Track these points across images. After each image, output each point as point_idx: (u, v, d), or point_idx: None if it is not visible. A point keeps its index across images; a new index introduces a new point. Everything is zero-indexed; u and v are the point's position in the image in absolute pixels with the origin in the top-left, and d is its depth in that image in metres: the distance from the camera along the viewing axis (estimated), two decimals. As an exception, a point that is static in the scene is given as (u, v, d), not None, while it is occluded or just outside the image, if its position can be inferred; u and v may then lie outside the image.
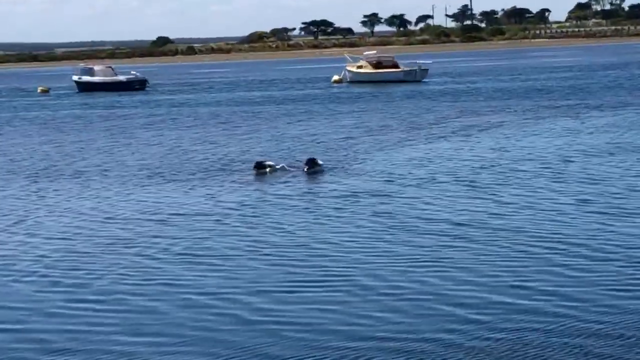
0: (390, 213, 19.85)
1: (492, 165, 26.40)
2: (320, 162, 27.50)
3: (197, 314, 13.22)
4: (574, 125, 36.93)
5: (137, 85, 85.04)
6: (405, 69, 79.82)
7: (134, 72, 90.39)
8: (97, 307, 13.85)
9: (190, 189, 24.94)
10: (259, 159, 28.88)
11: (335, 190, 23.45)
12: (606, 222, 17.93)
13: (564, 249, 15.89)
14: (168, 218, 20.64)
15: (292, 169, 27.36)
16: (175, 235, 18.65)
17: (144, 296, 14.32)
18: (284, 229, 18.88)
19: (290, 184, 24.94)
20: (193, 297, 14.14)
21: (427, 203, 20.94)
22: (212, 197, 23.20)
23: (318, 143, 34.86)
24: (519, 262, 15.19)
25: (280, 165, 27.65)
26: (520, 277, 14.31)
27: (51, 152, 35.73)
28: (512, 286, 13.82)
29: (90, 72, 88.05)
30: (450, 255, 15.88)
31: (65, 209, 22.58)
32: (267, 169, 27.08)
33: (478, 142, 32.74)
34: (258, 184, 25.44)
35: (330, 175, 26.21)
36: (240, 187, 24.83)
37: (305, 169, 26.86)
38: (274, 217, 20.18)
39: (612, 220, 18.07)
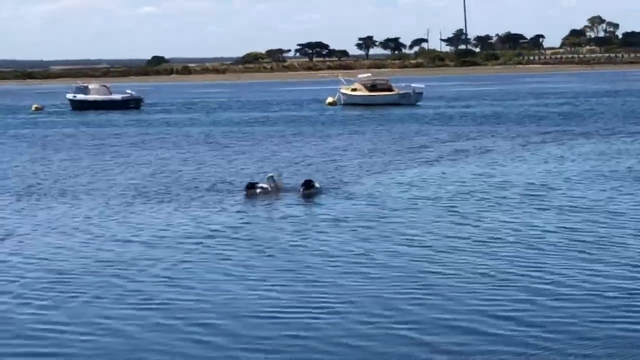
0: (376, 238, 19.82)
1: (482, 191, 26.38)
2: (317, 184, 27.36)
3: (169, 339, 13.15)
4: (562, 152, 36.95)
5: (132, 104, 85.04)
6: (400, 92, 79.93)
7: (129, 91, 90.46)
8: (65, 328, 13.79)
9: (176, 209, 24.84)
10: (250, 180, 28.84)
11: (324, 213, 23.45)
12: (587, 251, 17.95)
13: (548, 279, 15.86)
14: (151, 239, 20.56)
15: (281, 185, 27.36)
16: (156, 257, 18.57)
17: (115, 319, 14.24)
18: (267, 252, 18.80)
19: (281, 206, 24.92)
20: (166, 321, 14.06)
21: (413, 228, 20.89)
22: (199, 219, 23.10)
23: (310, 165, 34.86)
24: (501, 291, 15.16)
25: (269, 175, 27.60)
26: (503, 306, 14.28)
27: (39, 170, 35.66)
28: (496, 316, 13.79)
29: (85, 90, 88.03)
30: (434, 283, 15.86)
31: (48, 227, 22.52)
32: (258, 190, 26.94)
33: (468, 167, 32.73)
34: (248, 205, 25.39)
35: (324, 197, 26.18)
36: (230, 208, 24.76)
37: (301, 190, 26.76)
38: (260, 239, 20.11)
39: (594, 249, 18.08)
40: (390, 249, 18.63)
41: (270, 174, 27.98)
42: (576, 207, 23.28)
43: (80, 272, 17.49)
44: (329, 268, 17.24)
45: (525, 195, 25.51)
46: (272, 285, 16.09)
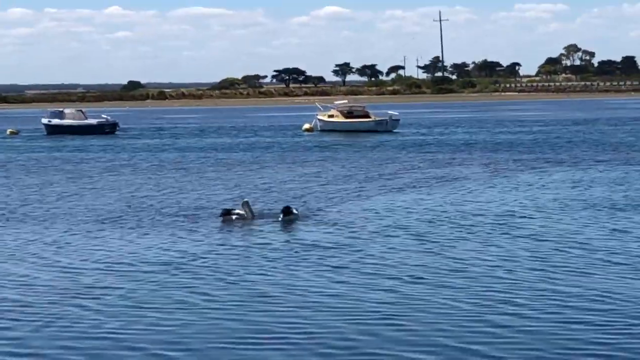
0: (343, 269, 19.59)
1: (452, 220, 26.30)
2: (295, 210, 27.15)
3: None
4: (533, 180, 36.95)
5: (107, 129, 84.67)
6: (377, 118, 79.90)
7: (105, 116, 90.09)
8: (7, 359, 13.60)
9: (148, 236, 24.60)
10: (226, 206, 28.58)
11: (296, 241, 23.30)
12: (554, 281, 17.84)
13: (511, 310, 15.75)
14: (114, 266, 20.34)
15: (249, 211, 27.06)
16: (114, 285, 18.35)
17: (61, 349, 14.09)
18: (231, 280, 18.63)
19: (255, 233, 24.66)
20: (111, 350, 13.88)
21: (381, 257, 20.75)
22: (171, 245, 22.92)
23: (285, 191, 34.64)
24: (467, 324, 14.98)
25: (245, 201, 27.37)
26: (465, 339, 14.11)
27: (5, 195, 35.30)
28: (460, 349, 13.62)
29: (60, 115, 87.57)
30: (394, 314, 15.66)
31: (8, 255, 22.22)
32: (234, 217, 26.67)
33: (441, 195, 32.63)
34: (223, 232, 25.11)
35: (301, 224, 25.97)
36: (205, 235, 24.54)
37: (281, 217, 26.55)
38: (226, 268, 19.92)
39: (560, 280, 17.97)
40: (355, 280, 18.40)
41: (245, 199, 27.72)
42: (543, 235, 23.25)
43: (38, 301, 17.24)
44: (292, 297, 17.03)
45: (493, 224, 25.43)
46: (228, 314, 15.88)
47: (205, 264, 20.34)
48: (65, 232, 25.58)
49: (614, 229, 24.03)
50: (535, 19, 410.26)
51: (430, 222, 25.94)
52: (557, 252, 20.93)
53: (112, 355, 13.80)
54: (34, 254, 22.22)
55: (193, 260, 20.87)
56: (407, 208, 29.03)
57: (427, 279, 18.43)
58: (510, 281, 18.01)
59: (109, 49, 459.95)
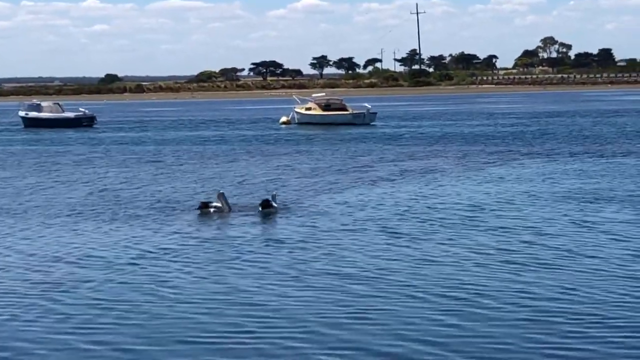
0: (314, 260, 19.78)
1: (422, 212, 26.51)
2: (274, 203, 27.31)
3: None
4: (505, 173, 37.13)
5: (85, 122, 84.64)
6: (354, 111, 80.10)
7: (83, 109, 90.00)
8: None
9: (118, 229, 24.69)
10: (201, 198, 28.74)
11: (269, 233, 23.49)
12: (520, 273, 18.09)
13: (479, 302, 15.95)
14: (86, 259, 20.46)
15: (226, 204, 27.25)
16: (86, 278, 18.50)
17: (28, 341, 14.29)
18: (201, 273, 18.77)
19: (231, 225, 24.84)
20: (81, 344, 14.05)
21: (352, 250, 20.93)
22: (145, 238, 23.05)
23: (260, 183, 34.78)
24: (431, 314, 15.19)
25: (220, 192, 27.57)
26: (431, 331, 14.32)
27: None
28: (422, 341, 13.80)
29: (38, 108, 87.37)
30: (362, 306, 15.87)
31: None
32: (212, 209, 26.83)
33: (416, 187, 32.85)
34: (200, 224, 25.28)
35: (277, 216, 26.19)
36: (182, 227, 24.68)
37: (259, 210, 26.84)
38: (200, 259, 20.10)
39: (526, 272, 18.23)
40: (325, 271, 18.58)
41: (220, 192, 27.86)
42: (512, 227, 23.48)
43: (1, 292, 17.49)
44: (261, 290, 17.17)
45: (462, 216, 25.62)
46: (198, 307, 16.03)
47: (181, 256, 20.45)
48: (39, 225, 25.65)
49: (584, 221, 24.28)
50: (512, 11, 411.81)
51: (401, 215, 26.04)
52: (524, 243, 21.16)
53: (75, 347, 13.97)
54: (4, 246, 22.39)
55: (167, 252, 20.99)
56: (379, 201, 29.14)
57: (395, 269, 18.64)
58: (476, 273, 18.21)
59: (86, 42, 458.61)
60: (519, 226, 23.79)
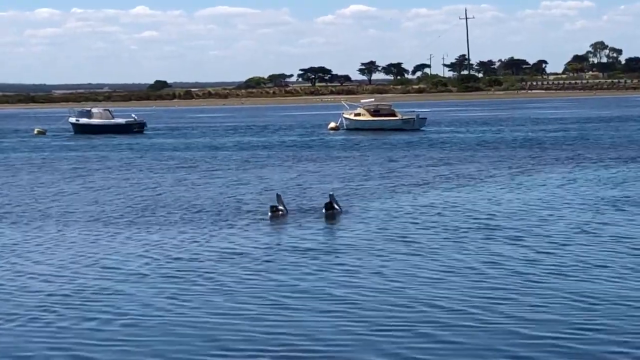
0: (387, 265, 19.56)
1: (471, 218, 26.24)
2: (337, 205, 27.69)
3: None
4: (561, 179, 36.56)
5: (135, 128, 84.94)
6: (404, 117, 79.78)
7: (134, 115, 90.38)
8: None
9: (196, 232, 24.95)
10: (267, 203, 28.90)
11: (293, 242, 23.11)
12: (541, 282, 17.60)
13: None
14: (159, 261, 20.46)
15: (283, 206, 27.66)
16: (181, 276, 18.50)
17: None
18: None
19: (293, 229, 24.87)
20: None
21: (422, 255, 20.72)
22: (219, 241, 23.11)
23: (309, 188, 34.64)
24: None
25: (277, 194, 28.35)
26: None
27: (28, 194, 35.75)
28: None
29: (88, 114, 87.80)
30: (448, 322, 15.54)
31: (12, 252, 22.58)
32: (280, 212, 27.32)
33: (468, 192, 32.65)
34: (273, 227, 25.47)
35: (341, 220, 26.24)
36: (256, 231, 24.81)
37: (323, 211, 27.43)
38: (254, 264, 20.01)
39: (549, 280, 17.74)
40: (385, 280, 18.12)
41: (277, 193, 28.59)
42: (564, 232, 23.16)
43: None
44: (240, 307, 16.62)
45: (521, 222, 25.21)
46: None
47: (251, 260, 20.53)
48: (84, 229, 25.91)
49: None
50: (561, 16, 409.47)
51: (463, 221, 25.66)
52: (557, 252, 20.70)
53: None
54: (42, 251, 22.61)
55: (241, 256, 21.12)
56: (437, 206, 28.83)
57: (459, 272, 18.49)
58: (527, 281, 17.84)
59: (135, 48, 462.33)
60: (567, 231, 23.57)
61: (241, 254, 21.30)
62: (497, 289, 17.03)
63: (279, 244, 22.65)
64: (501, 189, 33.56)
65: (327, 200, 28.15)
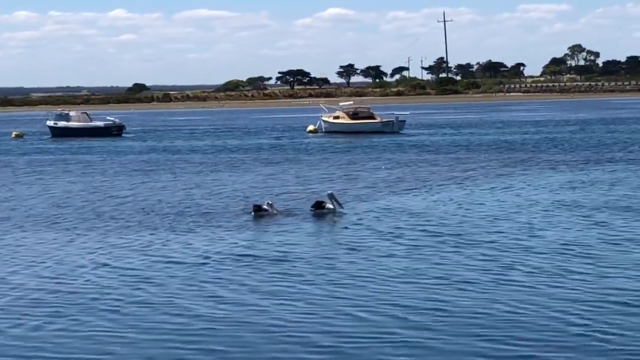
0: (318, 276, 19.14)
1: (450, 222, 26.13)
2: (329, 205, 27.81)
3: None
4: (534, 181, 36.46)
5: (114, 131, 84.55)
6: (383, 120, 79.75)
7: (111, 118, 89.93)
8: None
9: (186, 232, 24.78)
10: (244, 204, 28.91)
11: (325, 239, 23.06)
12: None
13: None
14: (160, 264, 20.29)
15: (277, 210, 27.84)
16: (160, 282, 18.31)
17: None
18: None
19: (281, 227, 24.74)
20: None
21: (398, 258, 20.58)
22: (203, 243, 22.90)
23: (285, 191, 34.56)
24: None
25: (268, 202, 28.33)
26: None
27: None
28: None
29: (66, 117, 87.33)
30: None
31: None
32: (264, 212, 27.52)
33: (447, 194, 32.58)
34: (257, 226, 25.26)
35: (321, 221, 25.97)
36: (244, 230, 24.46)
37: (311, 209, 27.87)
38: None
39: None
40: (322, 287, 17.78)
41: (269, 201, 28.60)
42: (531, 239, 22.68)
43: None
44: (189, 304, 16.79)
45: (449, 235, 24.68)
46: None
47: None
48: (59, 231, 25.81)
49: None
50: (539, 19, 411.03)
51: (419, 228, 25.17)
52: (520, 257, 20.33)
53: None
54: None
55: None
56: (415, 209, 28.67)
57: (445, 279, 18.30)
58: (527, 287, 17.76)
59: (113, 51, 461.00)
60: (528, 238, 23.41)
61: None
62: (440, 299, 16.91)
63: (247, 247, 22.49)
64: (455, 193, 33.10)
65: (319, 199, 28.48)
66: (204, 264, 20.39)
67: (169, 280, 18.69)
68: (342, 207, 28.06)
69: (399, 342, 13.87)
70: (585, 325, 14.45)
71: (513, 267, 19.05)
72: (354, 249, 21.75)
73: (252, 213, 27.57)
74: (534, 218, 26.09)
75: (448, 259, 20.18)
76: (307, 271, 19.24)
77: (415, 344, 13.79)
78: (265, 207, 27.78)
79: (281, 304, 16.39)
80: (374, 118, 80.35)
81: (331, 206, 27.82)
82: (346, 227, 25.35)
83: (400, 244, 22.29)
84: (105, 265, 20.56)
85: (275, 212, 27.72)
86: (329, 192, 28.82)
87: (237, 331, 14.70)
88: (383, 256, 20.72)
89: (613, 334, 13.95)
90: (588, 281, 17.52)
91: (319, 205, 27.90)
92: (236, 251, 21.80)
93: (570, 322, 14.65)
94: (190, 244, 23.06)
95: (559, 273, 18.28)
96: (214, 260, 20.69)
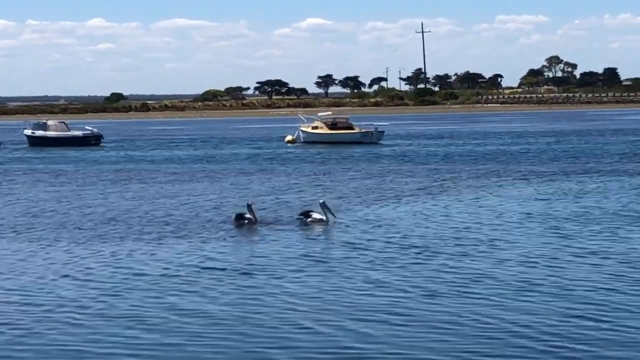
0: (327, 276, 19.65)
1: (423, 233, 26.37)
2: (317, 215, 27.83)
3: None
4: (512, 193, 36.75)
5: (92, 141, 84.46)
6: (362, 130, 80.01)
7: (89, 128, 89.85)
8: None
9: (172, 242, 24.77)
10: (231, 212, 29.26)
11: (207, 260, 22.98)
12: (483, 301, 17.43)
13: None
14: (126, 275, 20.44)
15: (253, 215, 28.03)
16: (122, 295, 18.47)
17: None
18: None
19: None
20: None
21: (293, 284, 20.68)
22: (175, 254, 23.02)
23: (264, 201, 34.60)
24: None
25: (248, 203, 28.57)
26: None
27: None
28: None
29: (44, 126, 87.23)
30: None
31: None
32: (246, 221, 27.70)
33: (420, 206, 32.77)
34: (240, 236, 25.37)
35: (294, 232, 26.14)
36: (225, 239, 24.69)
37: (304, 220, 27.93)
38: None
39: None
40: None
41: (249, 202, 28.83)
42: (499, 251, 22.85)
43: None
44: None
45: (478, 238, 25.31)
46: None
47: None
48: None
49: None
50: (517, 30, 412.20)
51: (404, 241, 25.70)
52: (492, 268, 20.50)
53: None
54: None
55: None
56: (384, 221, 28.77)
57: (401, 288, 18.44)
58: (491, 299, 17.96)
59: (91, 60, 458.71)
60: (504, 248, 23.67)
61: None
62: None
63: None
64: (426, 204, 33.24)
65: (307, 209, 28.82)
66: (168, 275, 20.36)
67: (130, 291, 18.70)
68: (335, 217, 28.07)
69: (358, 357, 13.90)
70: (545, 340, 14.52)
71: (478, 279, 19.13)
72: (319, 261, 21.76)
73: (234, 222, 27.79)
74: (501, 229, 26.26)
75: (412, 270, 20.25)
76: (268, 283, 19.21)
77: (374, 358, 13.83)
78: (247, 215, 27.82)
79: (238, 316, 16.38)
80: (352, 128, 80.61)
81: (320, 216, 27.75)
82: (314, 239, 25.46)
83: (366, 255, 22.30)
84: (67, 276, 20.53)
85: (253, 218, 27.71)
86: (321, 201, 28.71)
87: (191, 344, 14.70)
88: (348, 268, 20.73)
89: (576, 348, 14.06)
90: (551, 294, 17.66)
91: (306, 214, 27.98)
92: (202, 263, 21.78)
93: (532, 337, 14.68)
94: (155, 254, 23.12)
95: (522, 285, 18.40)
96: (179, 272, 20.68)
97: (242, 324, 15.84)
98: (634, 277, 19.12)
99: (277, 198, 36.08)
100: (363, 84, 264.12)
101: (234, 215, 28.45)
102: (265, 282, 19.45)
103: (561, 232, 25.75)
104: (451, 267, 20.55)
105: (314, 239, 25.60)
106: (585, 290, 17.91)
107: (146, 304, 17.57)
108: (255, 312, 16.64)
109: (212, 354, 14.21)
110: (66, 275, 20.68)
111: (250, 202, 28.84)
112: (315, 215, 27.89)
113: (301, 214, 28.36)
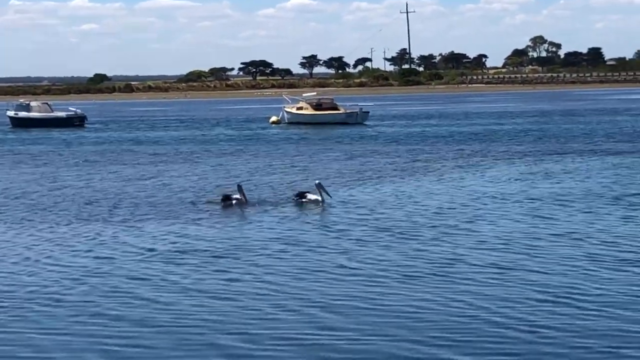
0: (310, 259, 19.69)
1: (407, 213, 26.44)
2: (312, 196, 27.88)
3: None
4: (498, 173, 36.94)
5: (76, 122, 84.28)
6: (347, 111, 79.96)
7: (73, 109, 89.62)
8: None
9: (153, 223, 24.71)
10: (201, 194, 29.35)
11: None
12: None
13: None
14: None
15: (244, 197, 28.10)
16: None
17: None
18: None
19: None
20: None
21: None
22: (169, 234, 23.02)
23: (249, 180, 34.51)
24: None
25: (238, 184, 28.76)
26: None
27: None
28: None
29: (27, 107, 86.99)
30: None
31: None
32: (234, 202, 27.72)
33: (408, 186, 32.82)
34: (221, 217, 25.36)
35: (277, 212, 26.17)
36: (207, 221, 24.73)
37: (296, 199, 28.01)
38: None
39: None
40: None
41: (238, 183, 29.03)
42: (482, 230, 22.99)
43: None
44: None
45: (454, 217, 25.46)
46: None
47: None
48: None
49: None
50: (501, 10, 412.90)
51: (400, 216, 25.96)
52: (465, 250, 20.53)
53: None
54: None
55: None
56: (365, 202, 28.73)
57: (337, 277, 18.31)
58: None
59: (75, 41, 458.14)
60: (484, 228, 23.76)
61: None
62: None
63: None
64: (408, 185, 33.28)
65: (302, 190, 28.94)
66: (143, 259, 20.16)
67: (107, 275, 18.55)
68: (330, 197, 28.20)
69: (328, 344, 13.64)
70: (519, 320, 14.53)
71: (454, 261, 19.08)
72: (294, 244, 21.53)
73: (221, 203, 27.83)
74: (481, 210, 26.30)
75: (389, 252, 20.21)
76: (238, 267, 19.01)
77: (346, 343, 13.61)
78: (235, 196, 27.84)
79: (203, 303, 16.11)
80: (337, 109, 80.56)
81: (316, 196, 27.77)
82: (293, 220, 25.35)
83: (343, 237, 22.21)
84: (36, 260, 20.32)
85: (243, 199, 27.77)
86: (317, 181, 28.82)
87: (160, 332, 14.42)
88: (324, 250, 20.62)
89: (551, 328, 14.02)
90: (527, 276, 17.58)
91: (301, 195, 28.06)
92: (178, 246, 21.59)
93: (507, 323, 14.43)
94: (136, 236, 23.11)
95: (500, 269, 18.25)
96: (155, 254, 20.59)
97: (220, 306, 15.87)
98: (614, 258, 19.17)
99: (261, 179, 36.10)
100: (348, 65, 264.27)
101: (221, 196, 28.42)
102: (234, 265, 19.26)
103: (541, 212, 25.84)
104: (429, 249, 20.45)
105: (295, 219, 25.55)
106: (563, 273, 17.85)
107: (128, 284, 17.59)
108: (218, 298, 16.40)
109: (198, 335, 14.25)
110: (49, 256, 20.69)
111: (239, 183, 29.00)
112: (310, 196, 27.93)
113: (297, 195, 28.38)
